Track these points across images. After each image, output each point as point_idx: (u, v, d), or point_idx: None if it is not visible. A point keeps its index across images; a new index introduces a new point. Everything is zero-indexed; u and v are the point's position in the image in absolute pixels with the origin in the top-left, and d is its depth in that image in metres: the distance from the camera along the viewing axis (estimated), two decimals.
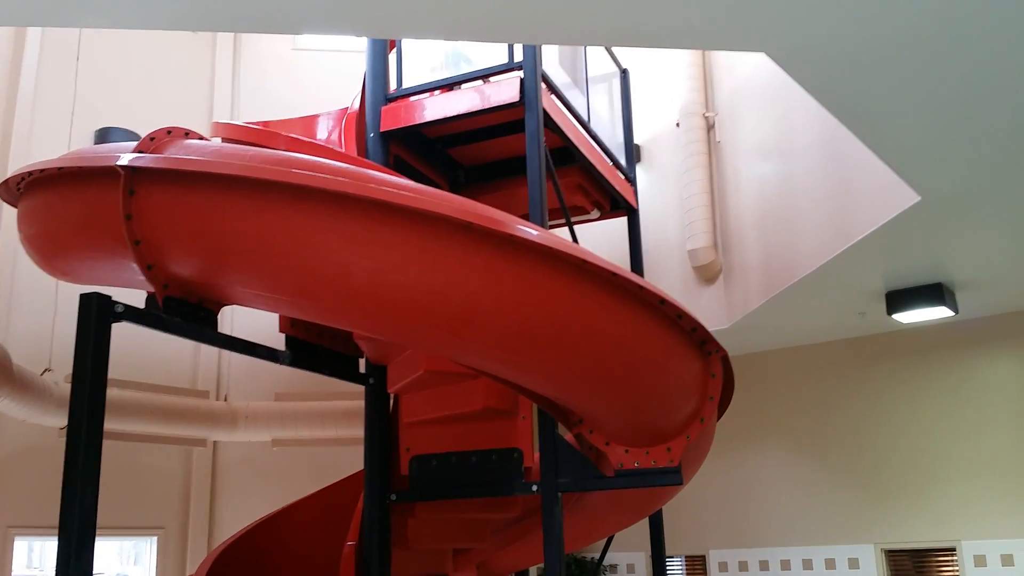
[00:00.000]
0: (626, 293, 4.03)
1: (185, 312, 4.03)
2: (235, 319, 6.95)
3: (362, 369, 5.46)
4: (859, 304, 6.93)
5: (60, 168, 4.15)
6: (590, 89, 6.61)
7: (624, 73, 7.35)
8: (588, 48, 6.57)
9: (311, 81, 8.74)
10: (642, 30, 3.10)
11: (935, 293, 6.43)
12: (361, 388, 5.47)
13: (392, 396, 5.40)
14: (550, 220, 5.53)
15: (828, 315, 7.33)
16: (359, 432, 5.84)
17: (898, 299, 6.59)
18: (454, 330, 3.85)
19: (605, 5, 2.92)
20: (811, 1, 2.97)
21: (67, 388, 6.64)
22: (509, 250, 3.74)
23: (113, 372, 3.85)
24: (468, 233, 3.67)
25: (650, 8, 2.93)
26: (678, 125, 7.61)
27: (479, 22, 3.09)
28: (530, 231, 3.81)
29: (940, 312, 6.65)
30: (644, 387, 4.33)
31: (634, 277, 4.05)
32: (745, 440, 8.45)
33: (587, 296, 3.91)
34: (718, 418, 4.82)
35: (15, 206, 4.60)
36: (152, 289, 4.02)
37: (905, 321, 6.96)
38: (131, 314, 3.79)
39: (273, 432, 7.77)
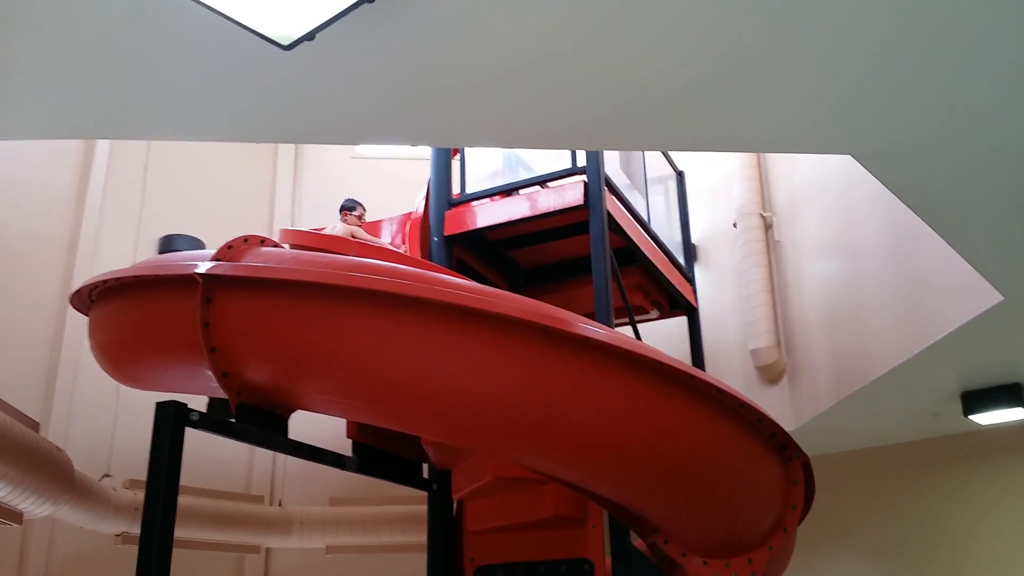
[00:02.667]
0: (704, 397, 3.94)
1: (257, 419, 4.00)
2: (293, 423, 6.91)
3: (426, 474, 5.36)
4: (933, 405, 6.70)
5: (136, 276, 4.20)
6: (648, 191, 6.65)
7: (680, 175, 7.40)
8: (646, 151, 6.64)
9: (368, 189, 8.87)
10: (730, 136, 3.11)
11: (1013, 393, 6.19)
12: (419, 492, 5.35)
13: (456, 502, 5.28)
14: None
15: (900, 416, 7.09)
16: (417, 538, 5.69)
17: (975, 400, 6.36)
18: (529, 434, 3.77)
19: (692, 115, 2.94)
20: (896, 105, 2.97)
21: (126, 494, 6.62)
22: (585, 353, 3.69)
23: None
24: (544, 336, 3.63)
25: (738, 117, 2.95)
26: (735, 225, 7.59)
27: (556, 130, 3.13)
28: (605, 333, 3.77)
29: (1018, 413, 6.40)
30: (723, 494, 4.17)
31: (713, 380, 3.97)
32: (813, 546, 8.06)
33: (664, 399, 3.83)
34: (798, 525, 4.62)
35: (86, 314, 4.66)
36: (225, 395, 4.00)
37: (982, 422, 6.71)
38: (206, 422, 3.77)
39: (328, 538, 7.60)
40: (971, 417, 6.51)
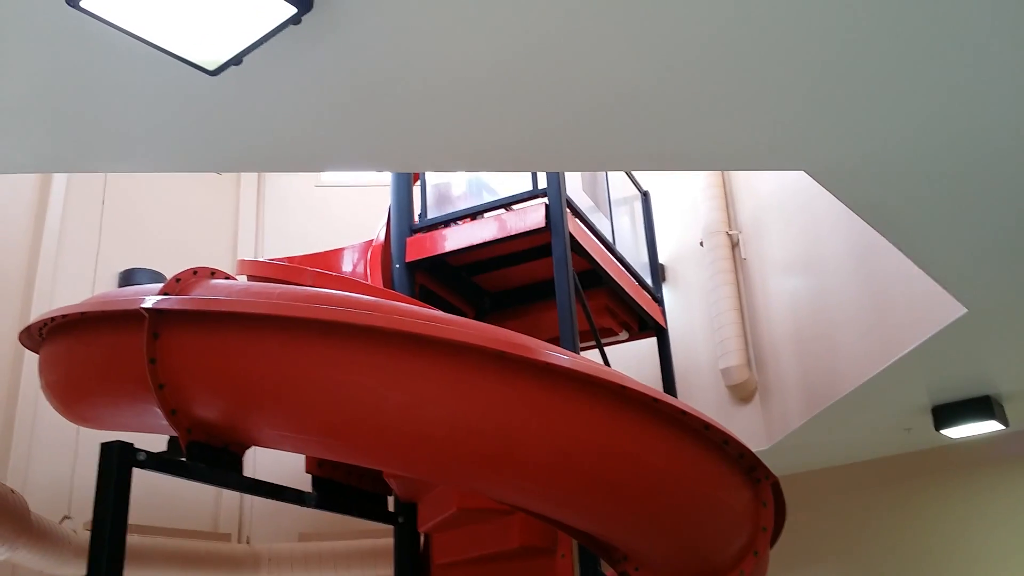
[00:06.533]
0: (668, 419, 3.86)
1: (209, 457, 3.87)
2: (257, 459, 6.76)
3: (391, 507, 5.24)
4: (905, 420, 6.67)
5: (83, 312, 4.09)
6: (613, 212, 6.60)
7: (645, 195, 7.37)
8: (609, 172, 6.61)
9: (334, 216, 8.82)
10: (682, 155, 3.06)
11: (983, 407, 6.17)
12: (389, 527, 5.23)
13: (423, 535, 5.16)
14: (580, 343, 5.40)
15: (872, 432, 7.06)
16: (388, 572, 5.55)
17: (945, 414, 6.33)
18: (490, 465, 3.67)
19: (645, 134, 2.89)
20: (846, 121, 2.94)
21: (86, 536, 6.40)
22: (544, 378, 3.60)
23: (130, 516, 3.68)
24: (501, 362, 3.55)
25: (691, 134, 2.90)
26: (702, 244, 7.57)
27: (511, 152, 3.06)
28: (564, 358, 3.69)
29: (990, 426, 6.38)
30: (691, 519, 4.08)
31: (676, 402, 3.89)
32: (785, 567, 7.97)
33: (627, 424, 3.75)
34: (769, 548, 4.54)
35: (37, 352, 4.53)
36: (176, 434, 3.88)
37: (954, 436, 6.68)
38: (154, 462, 3.64)
39: (297, 575, 7.43)
40: (943, 431, 6.48)
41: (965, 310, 4.42)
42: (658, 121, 2.91)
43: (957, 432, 6.55)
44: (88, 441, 6.74)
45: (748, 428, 7.00)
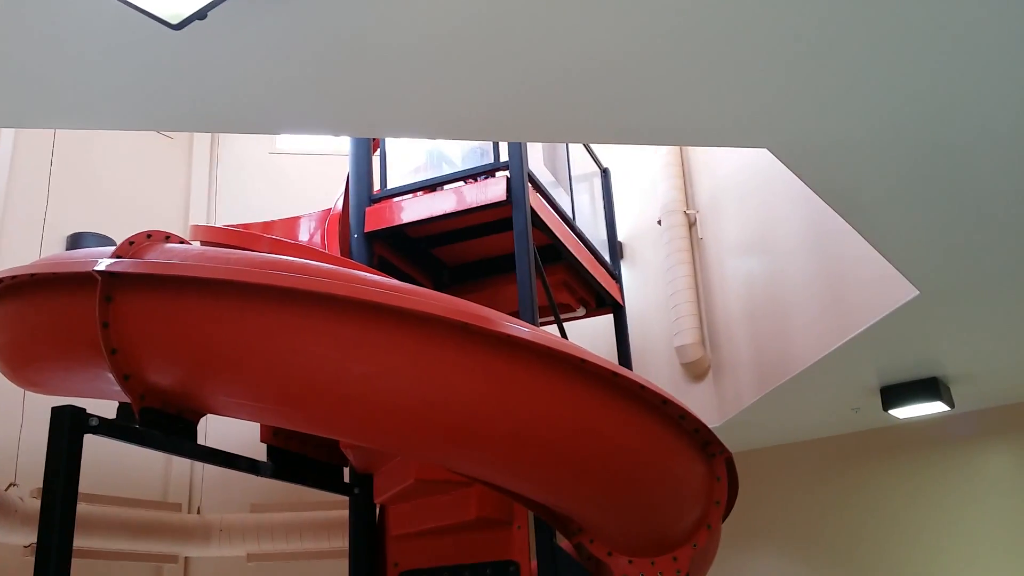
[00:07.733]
0: (627, 393, 3.89)
1: (163, 424, 3.80)
2: (209, 427, 6.68)
3: (346, 478, 5.21)
4: (854, 400, 6.80)
5: (32, 275, 3.97)
6: (573, 188, 6.60)
7: (605, 172, 7.38)
8: (570, 147, 6.60)
9: (288, 184, 8.70)
10: (648, 128, 3.06)
11: (930, 388, 6.32)
12: (343, 497, 5.21)
13: (378, 507, 5.15)
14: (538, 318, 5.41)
15: (822, 411, 7.19)
16: (341, 544, 5.54)
17: (893, 394, 6.47)
18: (450, 436, 3.67)
19: (611, 106, 2.88)
20: (810, 101, 2.98)
21: (33, 504, 6.31)
22: (506, 351, 3.60)
23: (80, 485, 3.60)
24: (464, 334, 3.53)
25: (657, 108, 2.90)
26: (659, 223, 7.61)
27: (473, 120, 3.03)
28: (526, 330, 3.69)
29: (936, 407, 6.54)
30: (647, 492, 4.13)
31: (635, 376, 3.92)
32: (735, 542, 8.11)
33: (587, 397, 3.77)
34: (721, 522, 4.61)
35: None
36: (128, 400, 3.80)
37: (901, 416, 6.84)
38: (106, 428, 3.56)
39: (249, 546, 7.38)
40: (890, 411, 6.62)
41: (917, 292, 4.50)
42: (626, 94, 2.91)
43: (904, 413, 6.70)
44: (35, 407, 6.60)
45: (701, 405, 7.08)
